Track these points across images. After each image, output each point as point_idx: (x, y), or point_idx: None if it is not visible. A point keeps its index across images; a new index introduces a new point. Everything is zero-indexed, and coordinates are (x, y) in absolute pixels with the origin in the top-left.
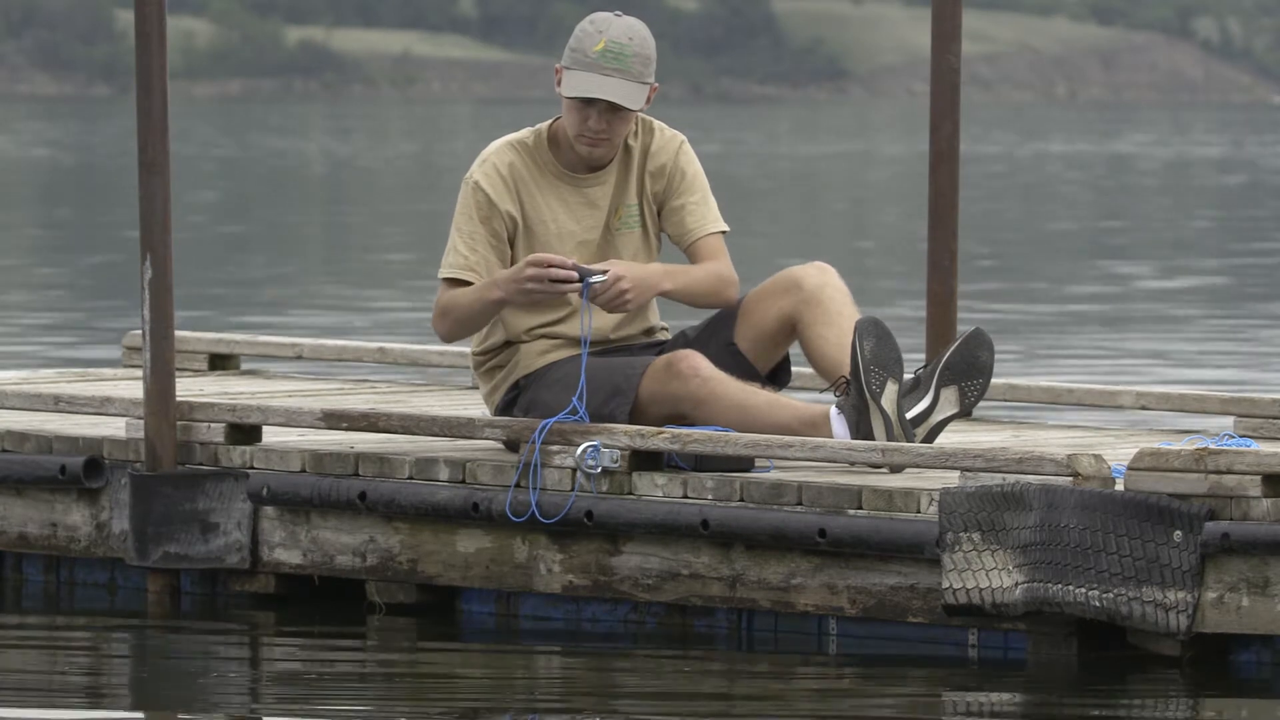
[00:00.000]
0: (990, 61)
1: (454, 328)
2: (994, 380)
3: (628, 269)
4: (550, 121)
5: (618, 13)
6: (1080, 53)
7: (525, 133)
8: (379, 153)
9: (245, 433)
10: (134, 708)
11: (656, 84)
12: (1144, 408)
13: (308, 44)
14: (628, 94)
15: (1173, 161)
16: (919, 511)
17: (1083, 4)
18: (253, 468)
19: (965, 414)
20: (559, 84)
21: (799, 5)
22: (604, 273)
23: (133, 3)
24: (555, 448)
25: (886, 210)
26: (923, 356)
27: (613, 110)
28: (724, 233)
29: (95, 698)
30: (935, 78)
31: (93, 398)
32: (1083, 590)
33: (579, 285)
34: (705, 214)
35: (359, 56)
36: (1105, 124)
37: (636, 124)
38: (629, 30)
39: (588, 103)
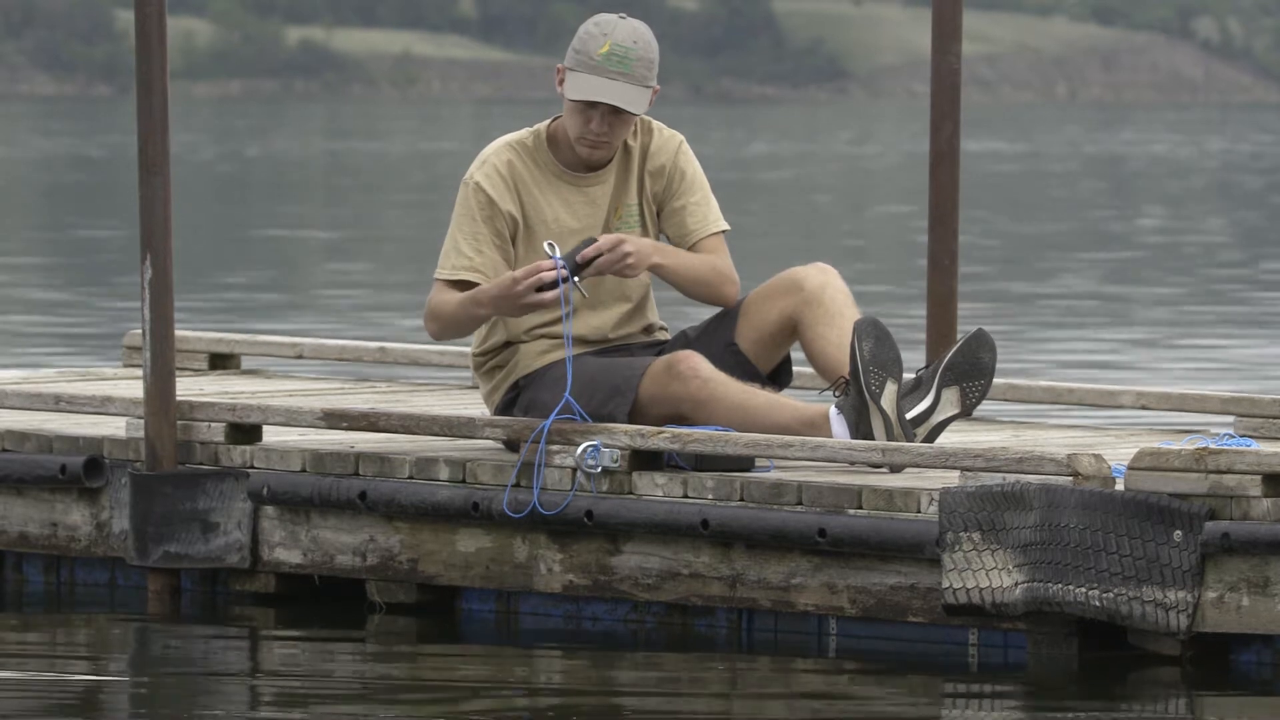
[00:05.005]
0: (990, 61)
1: (443, 330)
2: (994, 380)
3: (621, 235)
4: (549, 121)
5: (622, 15)
6: (1080, 53)
7: (524, 133)
8: (378, 152)
9: (245, 432)
10: (134, 707)
11: (658, 87)
12: (1144, 408)
13: (308, 44)
14: (631, 98)
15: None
16: (919, 511)
17: (1083, 4)
18: (253, 467)
19: (966, 415)
20: (561, 84)
21: (799, 5)
22: (551, 245)
23: (133, 3)
24: (555, 447)
25: (886, 211)
26: (923, 357)
27: (615, 113)
28: (725, 232)
29: (95, 697)
30: (935, 78)
31: (93, 397)
32: (1083, 590)
33: (566, 283)
34: (706, 214)
35: (359, 56)
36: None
37: (636, 124)
38: (633, 33)
39: (590, 105)
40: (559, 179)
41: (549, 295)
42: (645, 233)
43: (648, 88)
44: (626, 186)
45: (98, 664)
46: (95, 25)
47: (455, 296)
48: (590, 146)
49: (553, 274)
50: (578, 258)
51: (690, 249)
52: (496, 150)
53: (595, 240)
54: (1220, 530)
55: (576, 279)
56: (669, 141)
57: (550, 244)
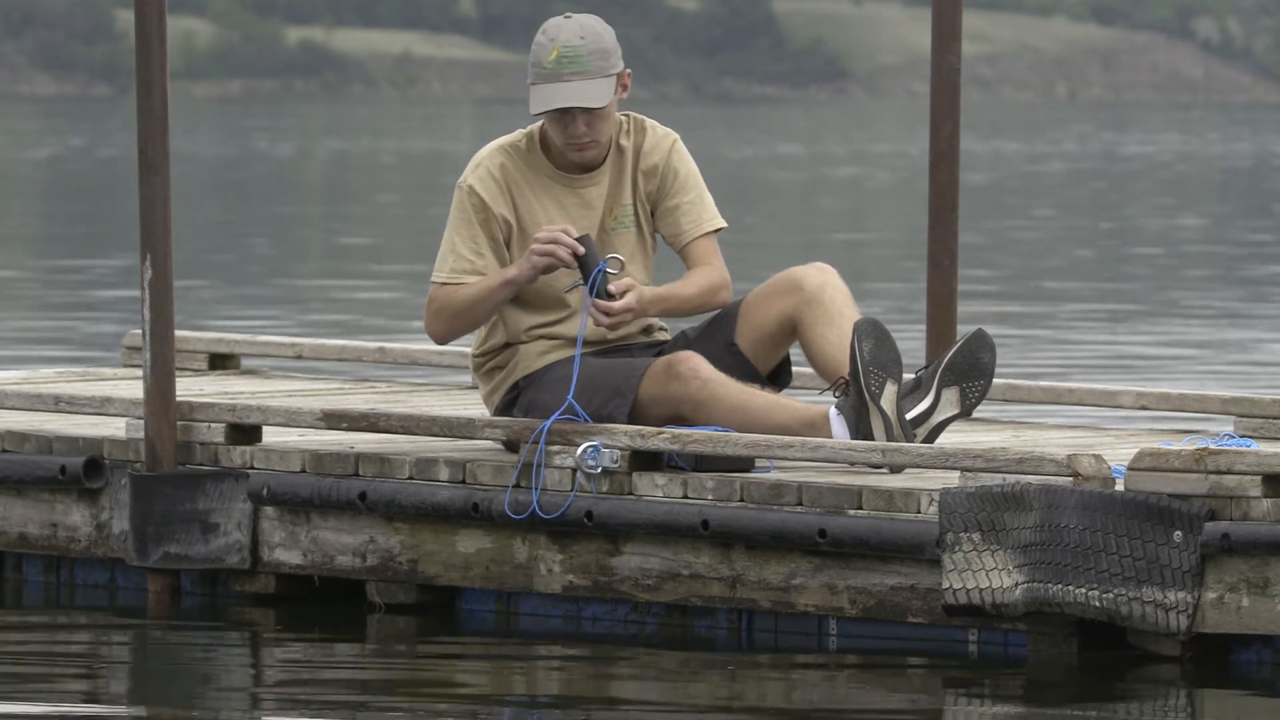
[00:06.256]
0: (990, 61)
1: (451, 323)
2: (994, 380)
3: (639, 294)
4: (541, 123)
5: (567, 15)
6: (1080, 53)
7: (517, 135)
8: (379, 152)
9: (245, 433)
10: (134, 708)
11: (627, 70)
12: (1144, 408)
13: (308, 44)
14: (591, 94)
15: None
16: (919, 512)
17: (1083, 4)
18: (253, 468)
19: (966, 415)
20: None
21: (799, 5)
22: (614, 260)
23: (133, 3)
24: (555, 448)
25: (886, 211)
26: (924, 357)
27: (588, 111)
28: (721, 229)
29: (95, 698)
30: (935, 78)
31: (93, 398)
32: (1083, 590)
33: (577, 260)
34: (700, 214)
35: (359, 56)
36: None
37: (628, 123)
38: (580, 30)
39: (562, 111)
40: (553, 181)
41: (561, 262)
42: (640, 233)
43: (609, 76)
44: (620, 187)
45: (98, 665)
46: (95, 25)
47: (474, 281)
48: (578, 150)
49: (569, 255)
50: (611, 286)
51: (683, 249)
52: (489, 153)
53: (615, 260)
54: (1220, 531)
55: (590, 294)
56: (662, 140)
57: (619, 258)
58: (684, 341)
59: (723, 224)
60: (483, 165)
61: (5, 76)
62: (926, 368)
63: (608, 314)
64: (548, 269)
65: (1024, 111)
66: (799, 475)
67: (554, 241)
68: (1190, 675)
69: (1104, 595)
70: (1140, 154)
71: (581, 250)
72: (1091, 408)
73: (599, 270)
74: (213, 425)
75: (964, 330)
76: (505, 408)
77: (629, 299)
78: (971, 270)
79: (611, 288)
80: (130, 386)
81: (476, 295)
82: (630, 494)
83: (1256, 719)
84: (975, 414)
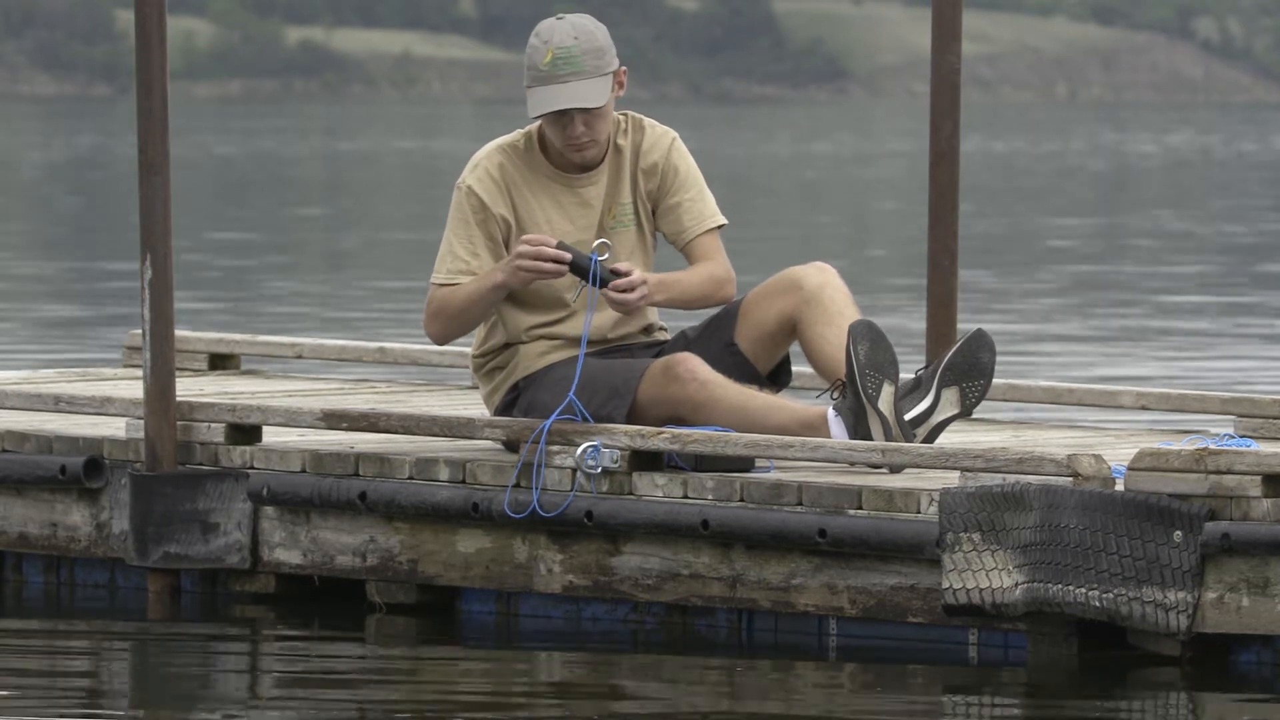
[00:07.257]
0: (990, 61)
1: (448, 324)
2: (994, 380)
3: (641, 274)
4: (540, 124)
5: (560, 16)
6: (1080, 53)
7: (515, 135)
8: (379, 152)
9: (245, 433)
10: (134, 708)
11: (623, 67)
12: (1144, 408)
13: (308, 44)
14: (588, 94)
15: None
16: (919, 512)
17: (1083, 4)
18: (253, 468)
19: (966, 415)
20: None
21: (799, 5)
22: (600, 245)
23: (133, 3)
24: (555, 448)
25: (887, 211)
26: (923, 357)
27: (585, 111)
28: (723, 225)
29: (95, 698)
30: (935, 78)
31: (93, 398)
32: (1083, 590)
33: (565, 268)
34: (701, 210)
35: (359, 56)
36: None
37: (626, 122)
38: (573, 30)
39: (560, 113)
40: (552, 181)
41: (548, 266)
42: (640, 232)
43: (605, 75)
44: (619, 186)
45: (98, 664)
46: (95, 25)
47: (466, 281)
48: (578, 150)
49: (557, 256)
50: (612, 268)
51: (686, 246)
52: (488, 154)
53: (604, 245)
54: (1220, 531)
55: (596, 286)
56: (661, 139)
57: (605, 243)
58: (684, 341)
59: (724, 221)
60: (481, 165)
61: (5, 76)
62: (926, 368)
63: (628, 289)
64: (531, 280)
65: (1024, 111)
66: (799, 475)
67: (537, 258)
68: (1190, 675)
69: (1104, 595)
70: (1142, 153)
71: (569, 258)
72: (1091, 408)
73: (593, 260)
74: (213, 425)
75: (964, 330)
76: (505, 408)
77: (635, 274)
78: (972, 270)
79: (613, 268)
80: (130, 386)
81: (469, 296)
82: (630, 494)
83: (1256, 719)
84: (975, 414)
